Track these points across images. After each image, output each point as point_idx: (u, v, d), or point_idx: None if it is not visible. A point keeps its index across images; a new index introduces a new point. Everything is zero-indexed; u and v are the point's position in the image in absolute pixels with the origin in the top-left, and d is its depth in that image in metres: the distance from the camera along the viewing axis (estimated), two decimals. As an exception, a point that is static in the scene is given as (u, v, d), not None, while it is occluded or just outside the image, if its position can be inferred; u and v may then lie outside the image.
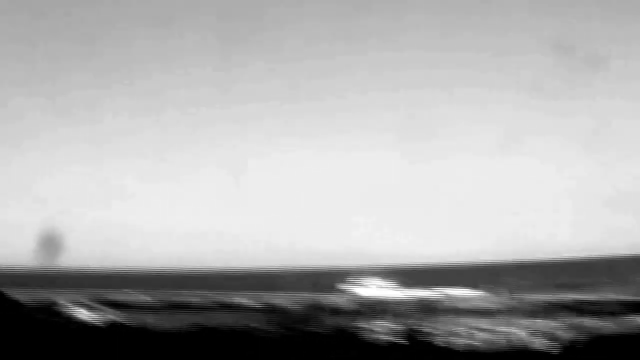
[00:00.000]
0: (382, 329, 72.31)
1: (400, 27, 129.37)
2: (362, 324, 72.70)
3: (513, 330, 70.27)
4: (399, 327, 72.18)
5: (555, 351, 49.34)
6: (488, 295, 72.76)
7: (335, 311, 72.89)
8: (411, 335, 69.99)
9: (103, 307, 72.55)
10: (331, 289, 74.62)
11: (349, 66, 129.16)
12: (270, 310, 75.20)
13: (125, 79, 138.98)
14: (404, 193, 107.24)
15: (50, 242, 68.33)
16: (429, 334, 71.53)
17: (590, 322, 67.85)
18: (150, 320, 72.30)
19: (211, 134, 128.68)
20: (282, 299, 76.38)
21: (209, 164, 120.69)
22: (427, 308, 71.95)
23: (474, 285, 73.71)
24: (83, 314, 70.26)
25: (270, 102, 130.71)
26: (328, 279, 76.72)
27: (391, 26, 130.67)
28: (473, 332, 70.13)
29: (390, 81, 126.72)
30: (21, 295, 73.18)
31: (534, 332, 69.75)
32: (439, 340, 61.46)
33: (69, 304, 71.91)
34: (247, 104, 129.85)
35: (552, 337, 65.53)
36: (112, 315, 71.24)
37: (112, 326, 67.28)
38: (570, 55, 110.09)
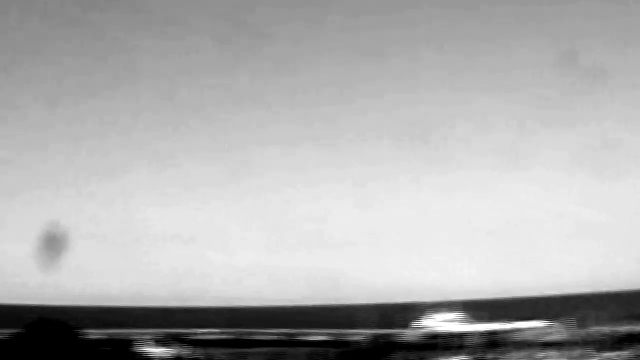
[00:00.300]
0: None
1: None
2: (435, 358, 73.32)
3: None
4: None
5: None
6: (559, 327, 72.45)
7: (407, 346, 73.51)
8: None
9: (177, 343, 74.59)
10: (403, 324, 75.04)
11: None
12: (344, 345, 76.17)
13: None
14: (470, 227, 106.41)
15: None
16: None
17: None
18: (223, 356, 74.30)
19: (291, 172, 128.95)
20: (355, 335, 77.03)
21: (281, 201, 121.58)
22: (499, 341, 72.09)
23: (544, 318, 73.49)
24: (157, 351, 72.48)
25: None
26: (400, 314, 77.10)
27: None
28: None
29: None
30: (96, 334, 76.03)
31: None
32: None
33: (144, 341, 74.13)
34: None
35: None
36: (185, 351, 73.35)
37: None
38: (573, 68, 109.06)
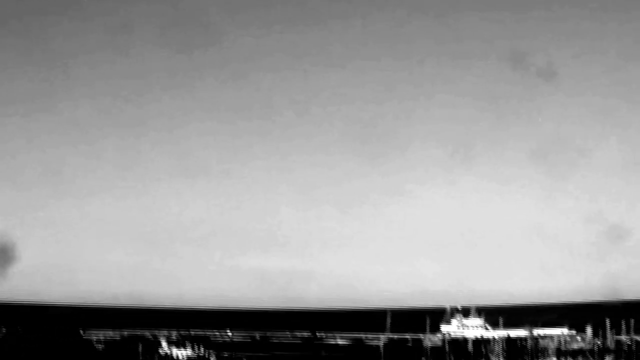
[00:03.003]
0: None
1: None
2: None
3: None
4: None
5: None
6: (581, 335, 72.09)
7: (429, 351, 73.05)
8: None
9: (189, 343, 74.01)
10: (424, 328, 74.55)
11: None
12: (360, 347, 75.82)
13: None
14: (489, 233, 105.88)
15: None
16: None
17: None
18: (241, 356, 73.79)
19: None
20: (373, 338, 76.77)
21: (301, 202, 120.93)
22: (520, 348, 71.73)
23: (567, 325, 73.04)
24: (169, 350, 71.86)
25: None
26: (421, 318, 76.64)
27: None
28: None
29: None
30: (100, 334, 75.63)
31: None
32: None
33: (156, 340, 73.61)
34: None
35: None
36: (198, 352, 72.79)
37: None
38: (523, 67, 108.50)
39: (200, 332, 79.71)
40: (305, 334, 79.39)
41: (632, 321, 71.01)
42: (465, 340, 74.02)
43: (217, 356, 70.39)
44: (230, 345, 77.26)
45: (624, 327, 70.72)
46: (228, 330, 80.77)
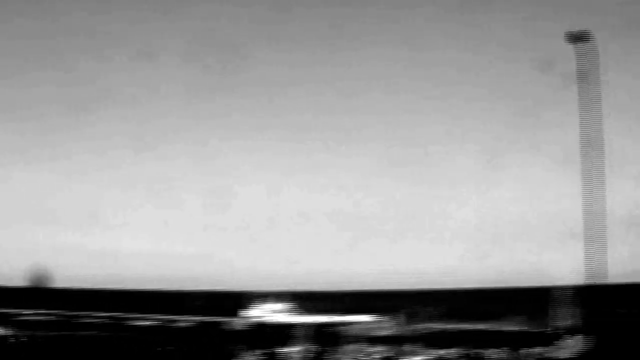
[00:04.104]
0: (281, 353, 73.52)
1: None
2: (262, 348, 73.79)
3: (411, 358, 72.53)
4: (297, 352, 73.50)
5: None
6: (388, 322, 74.35)
7: (234, 335, 73.61)
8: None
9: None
10: (232, 312, 75.10)
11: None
12: (172, 331, 75.53)
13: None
14: (307, 215, 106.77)
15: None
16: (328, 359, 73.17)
17: (489, 352, 70.53)
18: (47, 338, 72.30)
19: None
20: (182, 321, 76.58)
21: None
22: (327, 334, 73.25)
23: (373, 312, 75.25)
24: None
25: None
26: (228, 302, 77.14)
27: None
28: (370, 358, 72.10)
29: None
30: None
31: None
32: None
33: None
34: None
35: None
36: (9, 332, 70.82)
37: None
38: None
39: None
40: (113, 314, 78.25)
41: (433, 309, 73.89)
42: (270, 325, 75.04)
43: (17, 336, 68.78)
44: (32, 324, 75.39)
45: (427, 314, 73.46)
46: (29, 309, 78.63)
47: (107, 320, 76.32)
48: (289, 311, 76.85)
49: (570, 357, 68.52)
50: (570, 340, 69.68)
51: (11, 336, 70.24)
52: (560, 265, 72.01)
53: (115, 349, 71.54)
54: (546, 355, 69.39)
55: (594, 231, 66.34)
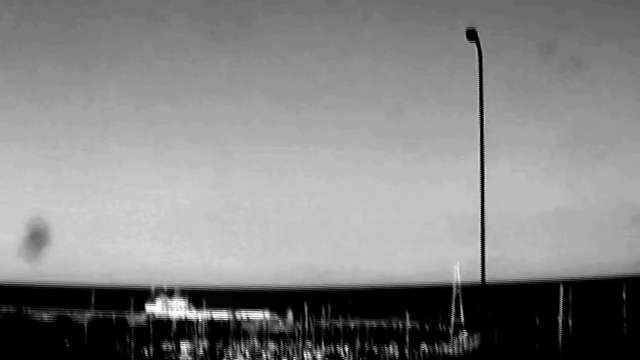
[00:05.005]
0: (176, 349, 73.55)
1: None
2: (160, 343, 73.62)
3: (304, 354, 73.16)
4: (192, 348, 73.61)
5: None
6: (281, 319, 74.95)
7: (133, 330, 73.27)
8: (204, 356, 71.64)
9: None
10: (129, 307, 74.72)
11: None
12: (65, 324, 74.71)
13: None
14: (209, 212, 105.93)
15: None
16: (222, 355, 73.38)
17: (388, 350, 71.46)
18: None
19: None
20: (77, 315, 75.87)
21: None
22: (222, 329, 73.53)
23: (269, 309, 75.75)
24: None
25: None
26: (126, 297, 76.73)
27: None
28: (265, 354, 72.59)
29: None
30: None
31: (324, 357, 72.90)
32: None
33: None
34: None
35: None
36: None
37: None
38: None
39: None
40: (9, 309, 76.98)
41: (331, 307, 74.49)
42: (168, 320, 74.98)
43: None
44: None
45: (324, 312, 74.07)
46: None
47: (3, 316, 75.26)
48: (186, 307, 76.97)
49: (465, 354, 69.95)
50: (465, 337, 71.16)
51: None
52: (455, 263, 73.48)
53: (11, 343, 70.72)
54: (442, 351, 70.74)
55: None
